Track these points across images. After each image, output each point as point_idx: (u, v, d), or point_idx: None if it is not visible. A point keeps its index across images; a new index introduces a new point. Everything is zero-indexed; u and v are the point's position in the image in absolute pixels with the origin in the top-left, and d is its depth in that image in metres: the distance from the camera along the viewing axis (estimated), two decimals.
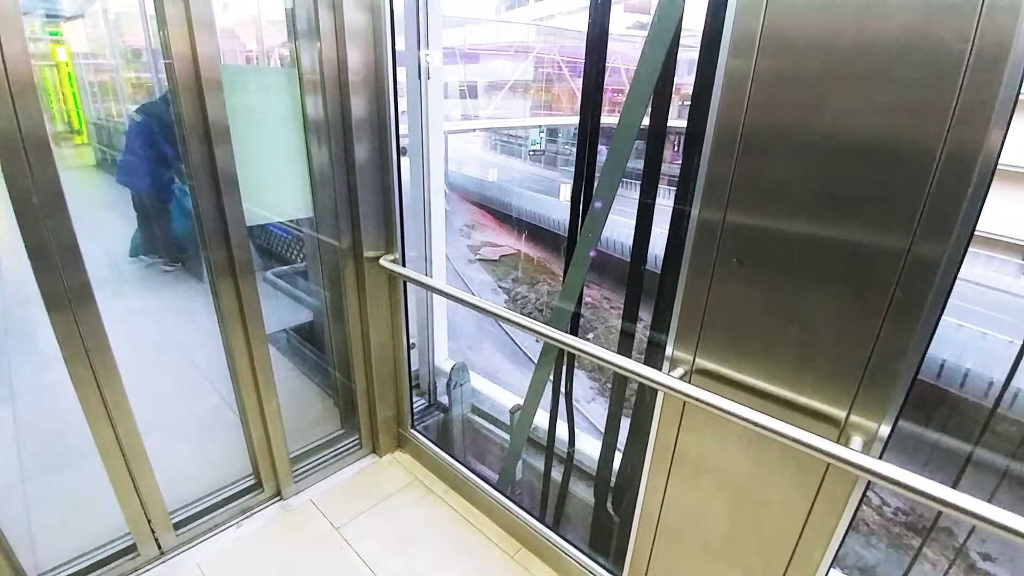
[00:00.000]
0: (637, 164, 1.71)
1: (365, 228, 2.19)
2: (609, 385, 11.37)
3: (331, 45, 1.91)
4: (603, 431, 2.07)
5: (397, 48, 2.00)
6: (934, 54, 0.86)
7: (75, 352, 1.64)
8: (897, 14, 0.88)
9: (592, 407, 11.46)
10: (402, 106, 2.13)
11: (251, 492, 2.31)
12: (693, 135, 1.40)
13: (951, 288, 1.01)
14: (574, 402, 2.22)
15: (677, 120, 1.73)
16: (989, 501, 0.96)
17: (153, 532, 2.00)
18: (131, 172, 2.44)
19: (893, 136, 0.93)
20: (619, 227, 12.87)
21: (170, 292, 2.97)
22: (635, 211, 1.69)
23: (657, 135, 1.59)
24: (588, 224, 1.77)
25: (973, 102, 0.84)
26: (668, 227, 1.51)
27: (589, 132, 1.69)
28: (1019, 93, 0.87)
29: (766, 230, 1.12)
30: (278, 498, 2.36)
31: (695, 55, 1.36)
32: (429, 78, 2.21)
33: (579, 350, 1.60)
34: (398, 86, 2.05)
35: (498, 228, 19.19)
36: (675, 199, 1.48)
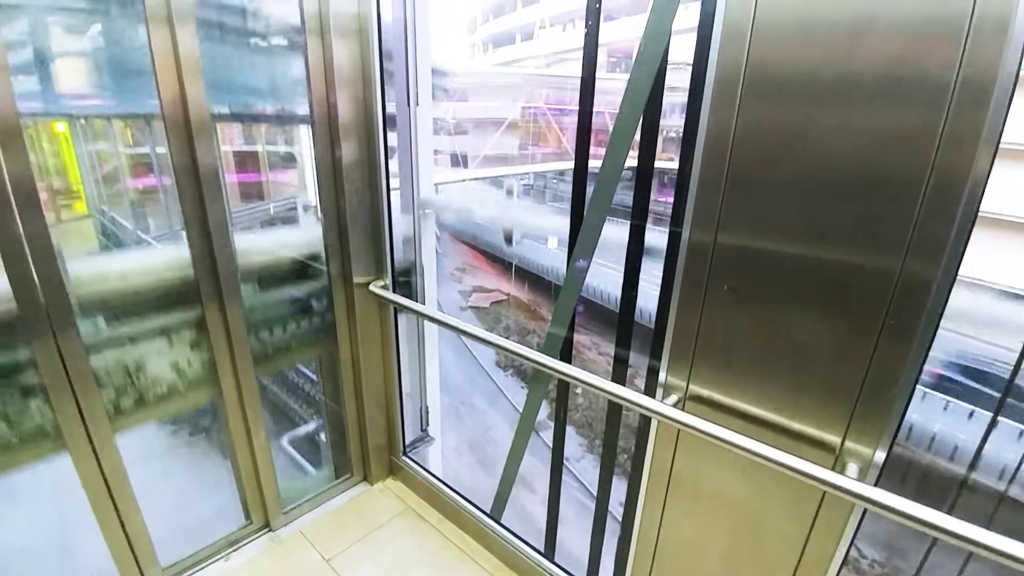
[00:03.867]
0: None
1: (355, 254, 2.18)
2: (599, 442, 10.96)
3: (320, 81, 1.93)
4: (600, 462, 2.04)
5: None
6: (920, 81, 0.87)
7: (59, 385, 1.61)
8: (882, 44, 0.89)
9: (582, 465, 10.82)
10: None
11: (239, 524, 2.25)
12: (685, 160, 1.41)
13: (942, 313, 1.01)
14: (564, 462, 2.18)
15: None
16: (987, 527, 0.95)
17: (139, 566, 1.94)
18: None
19: (880, 163, 0.93)
20: (607, 278, 12.77)
21: None
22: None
23: (647, 162, 1.61)
24: (578, 249, 1.78)
25: (960, 127, 0.85)
26: (664, 253, 1.51)
27: (582, 172, 1.73)
28: (1007, 117, 0.88)
29: (756, 258, 1.12)
30: (267, 529, 2.31)
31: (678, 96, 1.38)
32: (418, 104, 2.22)
33: (571, 377, 1.59)
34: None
35: (489, 269, 18.89)
36: (670, 224, 1.48)
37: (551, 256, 16.29)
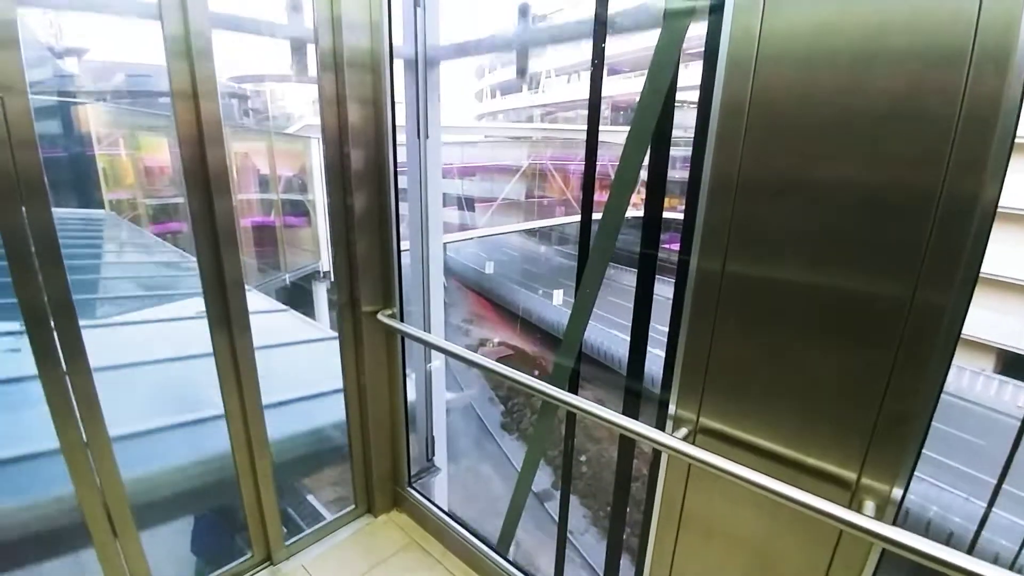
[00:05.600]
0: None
1: (363, 282, 2.18)
2: (601, 514, 10.72)
3: (332, 104, 1.97)
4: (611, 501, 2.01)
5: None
6: (924, 111, 0.88)
7: (65, 414, 1.60)
8: (886, 75, 0.90)
9: (585, 539, 10.33)
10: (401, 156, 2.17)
11: (239, 556, 2.22)
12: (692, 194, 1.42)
13: (955, 346, 1.00)
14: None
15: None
16: (1011, 568, 0.92)
17: None
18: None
19: (888, 191, 0.94)
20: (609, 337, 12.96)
21: None
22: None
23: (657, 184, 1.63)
24: (586, 280, 1.78)
25: (966, 156, 0.86)
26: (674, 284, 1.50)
27: (587, 225, 1.78)
28: (1012, 144, 0.88)
29: (764, 289, 1.12)
30: (268, 563, 2.27)
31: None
32: (428, 137, 2.25)
33: (578, 408, 1.57)
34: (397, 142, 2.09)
35: (496, 319, 18.84)
36: (680, 252, 1.48)
37: (556, 311, 16.50)
